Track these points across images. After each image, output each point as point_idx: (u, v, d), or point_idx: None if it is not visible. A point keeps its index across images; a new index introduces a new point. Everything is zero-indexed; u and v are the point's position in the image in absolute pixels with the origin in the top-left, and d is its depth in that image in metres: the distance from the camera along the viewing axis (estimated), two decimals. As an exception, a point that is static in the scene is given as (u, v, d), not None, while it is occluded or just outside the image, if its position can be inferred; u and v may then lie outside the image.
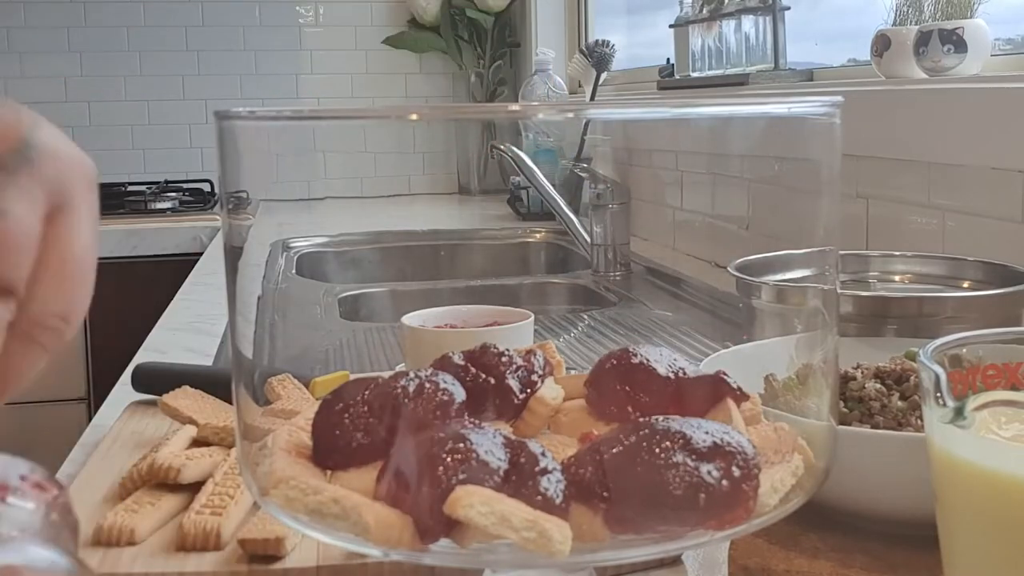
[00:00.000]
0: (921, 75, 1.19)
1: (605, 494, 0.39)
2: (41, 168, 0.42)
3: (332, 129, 0.43)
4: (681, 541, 0.40)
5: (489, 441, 0.39)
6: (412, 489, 0.38)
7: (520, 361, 0.48)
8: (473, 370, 0.47)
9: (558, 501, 0.38)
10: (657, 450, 0.39)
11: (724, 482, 0.39)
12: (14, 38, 2.82)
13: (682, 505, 0.38)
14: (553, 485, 0.39)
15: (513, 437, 0.41)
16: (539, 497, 0.38)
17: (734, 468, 0.39)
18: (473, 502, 0.37)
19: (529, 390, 0.47)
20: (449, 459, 0.38)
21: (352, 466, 0.42)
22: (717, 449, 0.39)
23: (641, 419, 0.42)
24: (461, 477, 0.38)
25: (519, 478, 0.39)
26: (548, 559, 0.37)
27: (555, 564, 0.39)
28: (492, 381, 0.47)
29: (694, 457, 0.39)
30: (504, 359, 0.48)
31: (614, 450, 0.39)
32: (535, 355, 0.49)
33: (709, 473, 0.39)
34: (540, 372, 0.48)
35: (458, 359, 0.48)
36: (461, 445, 0.39)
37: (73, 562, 0.38)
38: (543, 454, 0.39)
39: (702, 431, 0.40)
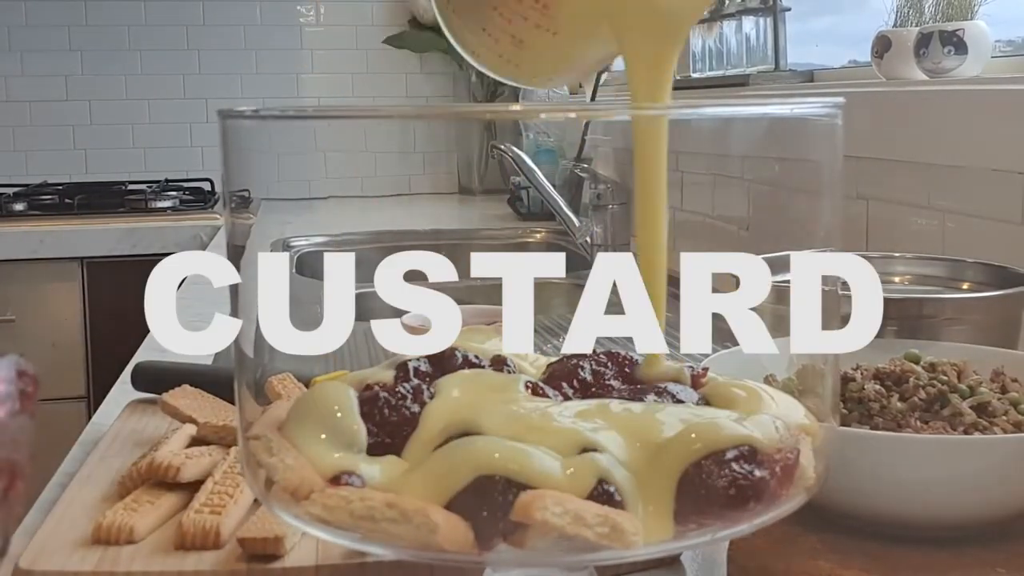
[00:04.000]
0: (921, 76, 1.19)
1: None
2: None
3: (333, 128, 0.43)
4: (683, 540, 0.40)
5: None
6: (468, 499, 0.38)
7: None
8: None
9: (618, 498, 0.38)
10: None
11: (770, 473, 0.40)
12: (15, 36, 2.82)
13: (737, 503, 0.39)
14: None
15: None
16: (598, 493, 0.38)
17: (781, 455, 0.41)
18: (547, 504, 0.36)
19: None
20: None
21: None
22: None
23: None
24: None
25: None
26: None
27: (557, 564, 0.39)
28: None
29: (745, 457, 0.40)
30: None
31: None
32: (507, 364, 0.49)
33: (752, 471, 0.40)
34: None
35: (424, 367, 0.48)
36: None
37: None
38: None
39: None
